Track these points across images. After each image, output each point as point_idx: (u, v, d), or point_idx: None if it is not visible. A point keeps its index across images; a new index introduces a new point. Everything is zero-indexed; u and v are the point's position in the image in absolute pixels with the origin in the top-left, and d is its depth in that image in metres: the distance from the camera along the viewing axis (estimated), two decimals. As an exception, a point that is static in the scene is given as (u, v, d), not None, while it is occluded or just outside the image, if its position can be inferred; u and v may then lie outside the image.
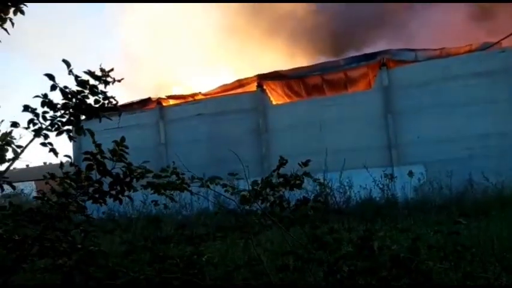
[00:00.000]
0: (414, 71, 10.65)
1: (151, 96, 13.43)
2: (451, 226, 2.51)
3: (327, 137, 10.52)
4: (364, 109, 10.86)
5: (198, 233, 3.07)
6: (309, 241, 2.56)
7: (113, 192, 2.63)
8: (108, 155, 2.61)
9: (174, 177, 2.95)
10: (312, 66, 11.97)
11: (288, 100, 12.69)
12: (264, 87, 12.11)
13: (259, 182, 2.79)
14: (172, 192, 3.10)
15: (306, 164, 2.82)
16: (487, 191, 8.02)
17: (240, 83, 12.61)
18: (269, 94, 12.17)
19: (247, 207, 3.07)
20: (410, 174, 8.85)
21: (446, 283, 2.55)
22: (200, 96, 13.18)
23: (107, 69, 2.80)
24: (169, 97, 13.54)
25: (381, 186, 8.61)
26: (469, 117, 9.77)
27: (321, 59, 13.28)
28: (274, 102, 12.17)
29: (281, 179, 2.81)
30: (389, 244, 2.53)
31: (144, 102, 13.44)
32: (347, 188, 8.82)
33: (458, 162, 9.11)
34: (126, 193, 2.67)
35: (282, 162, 2.82)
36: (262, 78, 12.15)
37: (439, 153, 9.70)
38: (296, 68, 12.17)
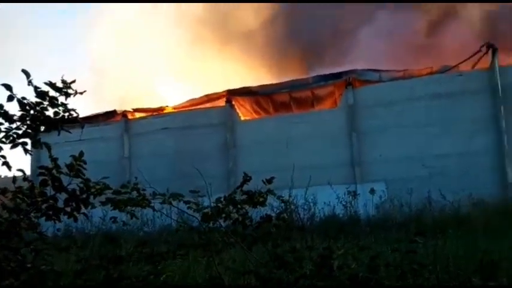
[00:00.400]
0: (378, 91, 11.03)
1: (117, 109, 13.17)
2: (409, 244, 2.57)
3: (294, 153, 10.64)
4: (330, 127, 11.10)
5: (159, 250, 3.00)
6: (271, 260, 2.56)
7: (68, 209, 2.53)
8: (65, 169, 2.51)
9: (134, 193, 2.88)
10: (281, 83, 12.16)
11: (256, 116, 12.78)
12: (233, 102, 12.15)
13: (223, 198, 2.76)
14: (133, 209, 3.02)
15: (269, 181, 2.83)
16: (444, 209, 8.31)
17: (209, 98, 12.61)
18: (237, 110, 12.22)
19: (211, 224, 3.03)
20: (372, 191, 9.05)
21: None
22: (167, 110, 13.05)
23: (68, 81, 2.73)
24: (136, 110, 13.32)
25: (344, 203, 8.75)
26: (429, 137, 10.17)
27: (289, 77, 13.49)
28: (242, 118, 12.23)
29: (245, 196, 2.79)
30: (349, 263, 2.56)
31: (109, 115, 13.15)
32: (311, 204, 8.89)
33: (418, 181, 9.43)
34: (83, 210, 2.57)
35: (246, 178, 2.82)
36: (231, 93, 12.21)
37: (400, 172, 10.02)
38: (265, 85, 12.32)
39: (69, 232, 7.98)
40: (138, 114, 13.24)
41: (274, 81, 12.57)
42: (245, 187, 3.04)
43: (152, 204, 2.97)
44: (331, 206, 8.80)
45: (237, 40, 18.39)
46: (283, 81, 12.31)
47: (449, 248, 4.16)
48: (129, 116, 13.04)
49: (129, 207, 2.96)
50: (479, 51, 10.40)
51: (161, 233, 8.12)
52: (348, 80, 11.25)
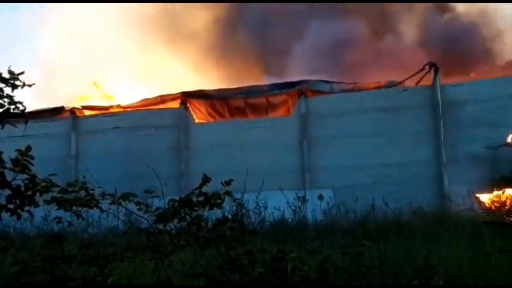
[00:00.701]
0: (329, 101, 11.44)
1: (65, 105, 12.59)
2: (356, 248, 2.70)
3: (247, 158, 10.73)
4: (283, 134, 11.34)
5: (105, 252, 2.92)
6: (224, 262, 2.57)
7: (11, 206, 2.40)
8: (9, 164, 2.39)
9: (82, 192, 2.79)
10: (237, 89, 12.25)
11: (210, 120, 12.75)
12: (188, 105, 12.05)
13: (177, 200, 2.75)
14: (79, 209, 2.93)
15: (228, 183, 2.85)
16: (386, 215, 8.74)
17: (163, 99, 12.41)
18: (192, 112, 12.13)
19: (161, 226, 3.00)
20: (321, 197, 9.33)
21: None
22: (118, 109, 12.67)
23: (16, 72, 2.60)
24: (85, 107, 12.82)
25: (294, 208, 8.95)
26: (375, 147, 10.69)
27: (246, 83, 13.63)
28: (196, 121, 12.16)
29: (201, 198, 2.79)
30: (300, 265, 2.64)
31: (56, 111, 12.54)
32: (262, 209, 9.01)
33: (363, 188, 9.86)
34: (27, 208, 2.45)
35: (206, 179, 2.83)
36: (186, 95, 12.11)
37: (347, 179, 10.44)
38: (221, 89, 12.36)
39: (7, 233, 7.48)
40: (87, 112, 12.75)
41: (230, 86, 12.65)
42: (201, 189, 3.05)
43: (100, 205, 2.90)
44: (281, 210, 8.96)
45: (192, 42, 18.27)
46: (239, 86, 12.41)
47: (390, 253, 4.40)
48: (78, 114, 12.52)
49: (75, 207, 2.86)
50: (423, 69, 11.11)
51: (107, 235, 7.84)
52: (301, 89, 11.57)
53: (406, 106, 10.90)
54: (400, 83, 11.55)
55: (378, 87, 11.58)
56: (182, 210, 2.67)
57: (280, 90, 11.90)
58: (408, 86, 11.42)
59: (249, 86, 12.47)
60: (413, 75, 11.39)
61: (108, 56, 17.84)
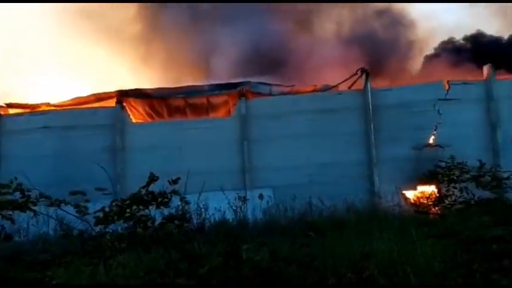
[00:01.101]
0: (269, 103, 11.71)
1: (-15, 103, 11.57)
2: (299, 242, 2.84)
3: (187, 159, 10.62)
4: (223, 135, 11.39)
5: (42, 258, 2.78)
6: (180, 257, 2.55)
7: None
8: None
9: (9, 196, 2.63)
10: (177, 88, 12.08)
11: (149, 119, 12.43)
12: (124, 104, 11.65)
13: (124, 199, 2.69)
14: (10, 213, 2.76)
15: (175, 181, 2.85)
16: (322, 213, 9.17)
17: (97, 97, 11.88)
18: (129, 111, 11.74)
19: (99, 229, 2.92)
20: (261, 197, 9.55)
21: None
22: (48, 108, 11.91)
23: None
24: (9, 105, 11.86)
25: (234, 208, 9.06)
26: (311, 147, 11.12)
27: (185, 82, 13.49)
28: (133, 121, 11.79)
29: (149, 196, 2.75)
30: (252, 256, 2.71)
31: (-24, 109, 11.48)
32: (203, 210, 9.00)
33: (300, 187, 10.22)
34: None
35: (153, 178, 2.80)
36: (122, 94, 11.69)
37: (285, 179, 10.75)
38: (160, 88, 12.11)
39: None
40: (12, 110, 11.82)
41: (169, 86, 12.45)
42: (135, 190, 2.99)
43: (35, 208, 2.75)
44: (221, 211, 9.02)
45: (130, 40, 17.68)
46: (179, 86, 12.25)
47: (328, 246, 4.65)
48: (1, 112, 11.57)
49: (5, 211, 2.70)
50: (355, 74, 11.78)
51: (35, 243, 7.37)
52: (241, 91, 11.71)
53: (340, 109, 11.46)
54: (334, 86, 12.12)
55: (314, 91, 12.07)
56: (128, 210, 2.62)
57: (221, 90, 11.94)
58: (342, 89, 12.03)
59: (190, 86, 12.37)
60: (346, 79, 12.01)
61: (37, 53, 16.65)
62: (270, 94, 11.97)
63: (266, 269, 2.37)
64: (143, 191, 2.73)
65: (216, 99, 12.24)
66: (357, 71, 11.76)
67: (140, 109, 12.28)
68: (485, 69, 11.41)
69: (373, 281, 2.93)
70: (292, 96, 11.85)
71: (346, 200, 9.35)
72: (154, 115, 12.52)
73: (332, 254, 4.26)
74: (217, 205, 8.92)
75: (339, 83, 12.09)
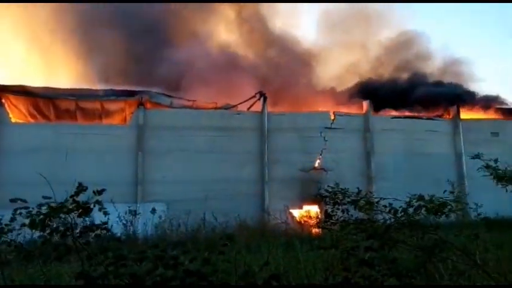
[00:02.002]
0: (168, 115, 11.57)
1: None
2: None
3: (74, 167, 9.88)
4: (117, 143, 10.88)
5: None
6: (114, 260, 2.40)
7: None
8: None
9: None
10: (67, 89, 11.22)
11: (32, 120, 11.26)
12: (3, 100, 10.40)
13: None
14: None
15: (100, 192, 2.74)
16: (215, 229, 9.30)
17: (-31, 90, 10.40)
18: (8, 109, 10.51)
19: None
20: (153, 211, 9.29)
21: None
22: None
23: None
24: None
25: (125, 222, 8.66)
26: (208, 163, 11.26)
27: (78, 84, 12.59)
28: (13, 120, 10.57)
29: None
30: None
31: None
32: (88, 223, 8.40)
33: (195, 202, 10.23)
34: None
35: (82, 188, 2.64)
36: (1, 90, 10.43)
37: (180, 193, 10.66)
38: (47, 88, 11.11)
39: None
40: None
41: (59, 85, 11.48)
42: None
43: None
44: (110, 224, 8.52)
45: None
46: (70, 87, 11.39)
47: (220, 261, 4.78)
48: None
49: None
50: (254, 96, 12.38)
51: None
52: (140, 99, 11.38)
53: (237, 128, 11.87)
54: (234, 106, 12.55)
55: (215, 108, 12.32)
56: (47, 219, 2.44)
57: (117, 97, 11.44)
58: (241, 110, 12.50)
59: (82, 89, 11.59)
60: (246, 101, 12.55)
61: None
62: (171, 106, 11.85)
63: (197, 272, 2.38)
64: (70, 200, 2.57)
65: (112, 106, 11.68)
66: (256, 94, 12.38)
67: (22, 108, 11.08)
68: (365, 104, 12.99)
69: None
70: (193, 111, 11.91)
71: (238, 216, 9.63)
72: (38, 116, 11.40)
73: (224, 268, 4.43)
74: (105, 218, 8.41)
75: (239, 103, 12.55)
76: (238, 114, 12.23)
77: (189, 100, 12.26)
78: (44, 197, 2.63)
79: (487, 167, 3.99)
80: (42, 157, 10.07)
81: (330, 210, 3.50)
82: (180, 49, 14.90)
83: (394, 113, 14.33)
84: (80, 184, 2.70)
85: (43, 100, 11.12)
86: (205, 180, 10.97)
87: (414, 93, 16.47)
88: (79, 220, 2.61)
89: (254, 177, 11.52)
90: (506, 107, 15.26)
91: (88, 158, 10.42)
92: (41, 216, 2.54)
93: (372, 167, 12.23)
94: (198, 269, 2.45)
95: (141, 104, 11.34)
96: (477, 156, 4.98)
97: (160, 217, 9.41)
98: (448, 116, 13.60)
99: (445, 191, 3.54)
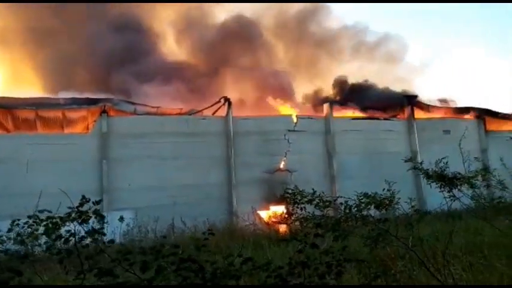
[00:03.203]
0: (132, 122, 11.51)
1: None
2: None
3: (36, 178, 9.64)
4: (80, 152, 10.71)
5: None
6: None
7: None
8: None
9: None
10: (26, 99, 10.92)
11: (-12, 131, 10.88)
12: (-43, 111, 10.00)
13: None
14: None
15: (98, 202, 2.97)
16: (184, 234, 9.37)
17: None
18: (-38, 121, 10.11)
19: None
20: (121, 219, 9.21)
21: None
22: None
23: None
24: None
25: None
26: (175, 169, 11.30)
27: (37, 93, 12.28)
28: (-33, 131, 10.18)
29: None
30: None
31: None
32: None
33: (164, 209, 10.26)
34: None
35: (85, 200, 2.80)
36: (-46, 100, 10.02)
37: (148, 200, 10.64)
38: (4, 98, 10.77)
39: None
40: None
41: (17, 95, 11.17)
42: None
43: None
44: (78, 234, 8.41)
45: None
46: (29, 96, 11.09)
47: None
48: None
49: None
50: (219, 101, 12.56)
51: None
52: (103, 107, 11.27)
53: (203, 133, 12.00)
54: (199, 111, 12.66)
55: (180, 114, 12.38)
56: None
57: (79, 105, 11.26)
58: (206, 115, 12.63)
59: (42, 98, 11.36)
60: (211, 106, 12.70)
61: None
62: (134, 113, 11.81)
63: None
64: (74, 210, 2.82)
65: (73, 114, 11.47)
66: (220, 99, 12.56)
67: (-23, 119, 10.68)
68: (325, 107, 13.50)
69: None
70: (158, 117, 11.92)
71: (207, 220, 9.76)
72: (-5, 127, 11.02)
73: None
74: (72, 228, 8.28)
75: (204, 109, 12.68)
76: (204, 119, 12.35)
77: (153, 106, 12.25)
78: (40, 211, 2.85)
79: (415, 168, 4.43)
80: (1, 169, 9.76)
81: (290, 209, 3.82)
82: (144, 55, 14.82)
83: (354, 112, 14.94)
84: (83, 197, 2.95)
85: (0, 110, 10.76)
86: (172, 186, 11.01)
87: (371, 94, 17.21)
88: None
89: (221, 181, 11.68)
90: (457, 106, 16.27)
91: (50, 169, 10.19)
92: (51, 225, 2.78)
93: (334, 166, 12.73)
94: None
95: (104, 112, 11.22)
96: (410, 159, 5.46)
97: (128, 225, 9.36)
98: (403, 116, 14.38)
99: (384, 189, 3.95)
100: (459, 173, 4.16)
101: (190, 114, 12.34)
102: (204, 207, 10.76)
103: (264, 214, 11.51)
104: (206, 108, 12.58)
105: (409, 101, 14.67)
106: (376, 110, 14.85)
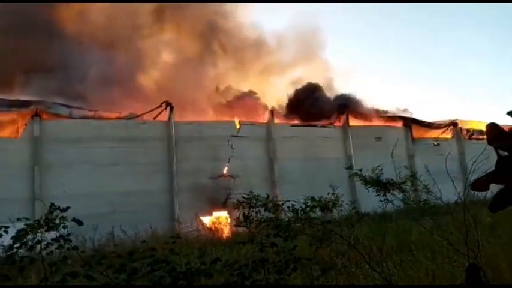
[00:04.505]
0: (68, 126, 10.97)
1: None
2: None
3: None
4: (9, 158, 10.02)
5: None
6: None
7: None
8: None
9: None
10: None
11: None
12: None
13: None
14: None
15: (65, 210, 3.02)
16: (124, 242, 9.08)
17: None
18: None
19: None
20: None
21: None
22: None
23: None
24: None
25: (24, 241, 8.00)
26: (113, 175, 10.92)
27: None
28: None
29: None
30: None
31: None
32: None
33: (102, 217, 9.85)
34: None
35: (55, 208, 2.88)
36: None
37: (84, 208, 10.08)
38: None
39: None
40: None
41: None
42: None
43: None
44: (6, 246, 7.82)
45: None
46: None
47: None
48: None
49: None
50: (160, 106, 12.36)
51: None
52: (35, 110, 10.62)
53: (144, 138, 11.73)
54: (139, 116, 12.36)
55: (119, 118, 12.00)
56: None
57: (9, 107, 10.51)
58: (147, 119, 12.36)
59: (-36, 99, 10.42)
60: (152, 110, 12.45)
61: None
62: (70, 117, 11.26)
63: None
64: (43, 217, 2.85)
65: (2, 117, 10.68)
66: (162, 103, 12.36)
67: None
68: (267, 113, 13.85)
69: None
70: (95, 121, 11.47)
71: (149, 227, 9.55)
72: None
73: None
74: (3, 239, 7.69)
75: (144, 113, 12.40)
76: (144, 123, 12.09)
77: (90, 110, 11.77)
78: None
79: (355, 174, 4.84)
80: None
81: (246, 212, 3.99)
82: (81, 57, 14.14)
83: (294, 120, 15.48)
84: (51, 204, 3.00)
85: None
86: (111, 193, 10.63)
87: (309, 102, 17.90)
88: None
89: (163, 188, 11.49)
90: (387, 114, 17.47)
91: (-26, 175, 9.39)
92: (22, 232, 2.78)
93: (276, 172, 13.07)
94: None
95: (36, 115, 10.58)
96: (349, 167, 5.93)
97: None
98: (338, 124, 15.16)
99: (329, 193, 4.29)
100: (392, 179, 4.59)
101: (129, 119, 12.02)
102: (145, 215, 10.50)
103: (207, 220, 11.49)
104: (147, 112, 12.32)
105: (345, 109, 15.51)
106: (315, 117, 15.52)
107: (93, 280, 2.56)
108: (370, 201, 9.90)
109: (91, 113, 11.73)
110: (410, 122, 16.71)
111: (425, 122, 17.56)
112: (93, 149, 10.98)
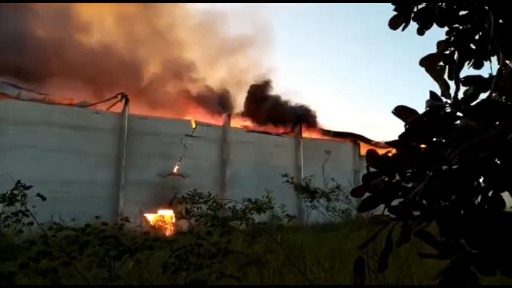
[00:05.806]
0: (14, 108, 10.51)
1: None
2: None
3: None
4: None
5: None
6: None
7: None
8: None
9: None
10: None
11: None
12: None
13: None
14: None
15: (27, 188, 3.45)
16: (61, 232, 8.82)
17: None
18: None
19: None
20: (-11, 213, 8.33)
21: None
22: None
23: None
24: None
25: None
26: (58, 163, 10.58)
27: None
28: None
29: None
30: None
31: None
32: None
33: (42, 204, 9.44)
34: None
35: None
36: None
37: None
38: None
39: None
40: None
41: None
42: None
43: None
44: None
45: None
46: None
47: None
48: None
49: None
50: (115, 97, 12.13)
51: None
52: (-20, 87, 10.10)
53: (95, 128, 11.47)
54: (92, 104, 12.07)
55: (70, 105, 11.65)
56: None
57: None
58: (100, 109, 12.08)
59: None
60: (106, 100, 12.21)
61: None
62: (18, 98, 10.79)
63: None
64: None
65: None
66: (117, 94, 12.14)
67: None
68: (224, 117, 13.99)
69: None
70: (44, 105, 11.06)
71: (96, 218, 9.31)
72: None
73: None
74: None
75: (98, 102, 12.14)
76: (97, 113, 11.82)
77: (40, 93, 11.35)
78: None
79: (288, 181, 5.23)
80: None
81: (189, 207, 4.20)
82: (36, 36, 13.56)
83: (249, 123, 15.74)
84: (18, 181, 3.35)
85: None
86: (54, 180, 10.26)
87: (267, 109, 18.28)
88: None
89: (109, 180, 11.26)
90: (337, 130, 18.20)
91: None
92: None
93: (227, 174, 13.21)
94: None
95: (-20, 93, 10.06)
96: (285, 175, 6.42)
97: (-4, 220, 8.48)
98: (292, 134, 15.61)
99: (264, 196, 4.62)
100: (319, 188, 5.02)
101: (82, 107, 11.70)
102: (88, 206, 10.19)
103: (151, 217, 11.38)
104: (101, 102, 12.08)
105: (301, 120, 16.02)
106: (271, 123, 15.91)
107: (48, 247, 2.77)
108: (318, 212, 10.32)
109: (41, 97, 11.33)
110: (358, 139, 17.51)
111: (372, 140, 18.47)
112: (40, 134, 10.58)
